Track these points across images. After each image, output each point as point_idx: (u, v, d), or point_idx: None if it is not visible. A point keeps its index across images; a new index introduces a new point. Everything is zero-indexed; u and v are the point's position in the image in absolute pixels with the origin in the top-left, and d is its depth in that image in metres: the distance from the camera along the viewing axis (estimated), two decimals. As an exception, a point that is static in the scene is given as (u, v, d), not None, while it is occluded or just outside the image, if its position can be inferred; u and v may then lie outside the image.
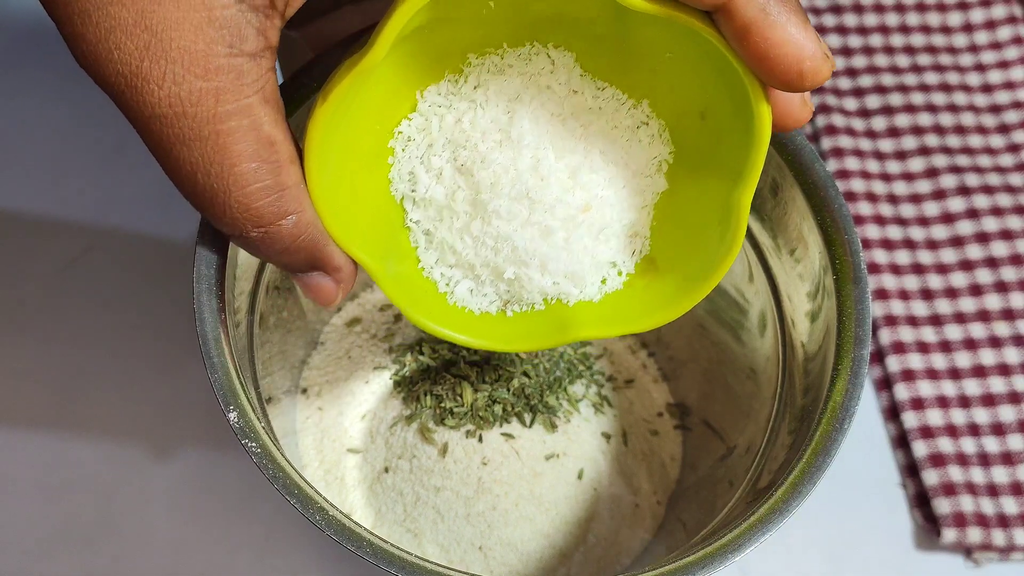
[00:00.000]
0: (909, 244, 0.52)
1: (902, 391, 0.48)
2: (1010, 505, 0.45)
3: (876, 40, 0.59)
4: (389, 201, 0.32)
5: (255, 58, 0.25)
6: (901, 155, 0.54)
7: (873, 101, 0.56)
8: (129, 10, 0.24)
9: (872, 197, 0.53)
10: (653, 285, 0.32)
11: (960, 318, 0.50)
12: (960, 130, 0.55)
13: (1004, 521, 0.44)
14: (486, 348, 0.33)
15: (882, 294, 0.50)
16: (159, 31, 0.24)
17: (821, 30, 0.59)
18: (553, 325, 0.33)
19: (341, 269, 0.30)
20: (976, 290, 0.50)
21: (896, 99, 0.56)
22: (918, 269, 0.51)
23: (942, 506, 0.45)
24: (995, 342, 0.49)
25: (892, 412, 0.48)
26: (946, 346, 0.49)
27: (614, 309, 0.33)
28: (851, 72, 0.57)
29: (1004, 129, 0.56)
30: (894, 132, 0.55)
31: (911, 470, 0.47)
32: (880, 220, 0.52)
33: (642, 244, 0.32)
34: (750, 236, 0.38)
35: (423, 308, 0.32)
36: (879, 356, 0.49)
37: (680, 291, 0.32)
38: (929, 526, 0.46)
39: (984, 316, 0.50)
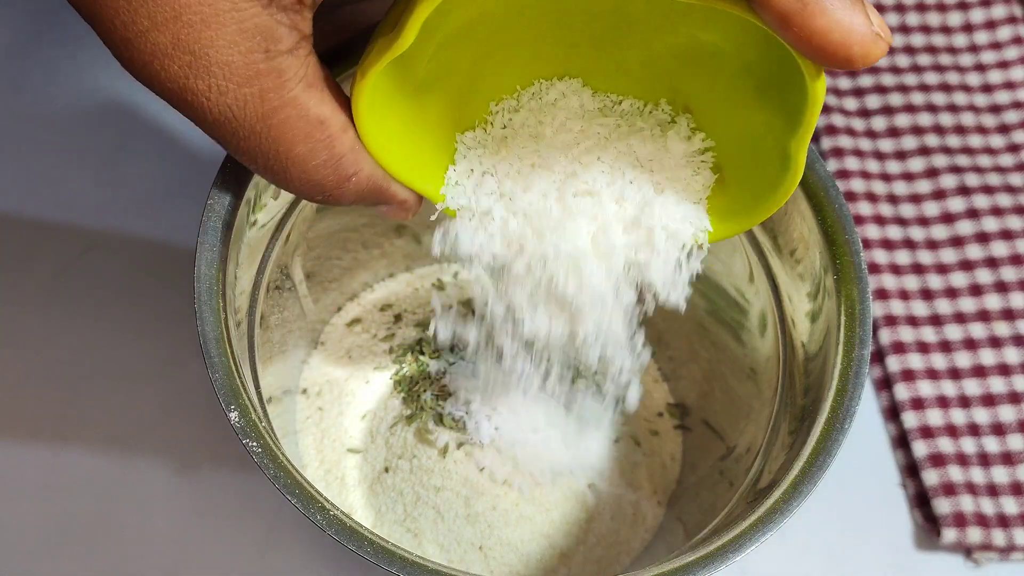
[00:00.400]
0: (909, 244, 0.52)
1: (902, 391, 0.48)
2: (1010, 505, 0.45)
3: (876, 40, 0.59)
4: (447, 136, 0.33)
5: (292, 53, 0.26)
6: (901, 155, 0.54)
7: (873, 101, 0.56)
8: (166, 35, 0.25)
9: (872, 197, 0.53)
10: (714, 201, 0.33)
11: (960, 318, 0.50)
12: (960, 130, 0.55)
13: (1004, 521, 0.44)
14: None
15: (882, 294, 0.50)
16: (197, 51, 0.25)
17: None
18: None
19: (407, 200, 0.32)
20: (976, 290, 0.50)
21: (896, 99, 0.56)
22: (918, 269, 0.51)
23: (942, 506, 0.45)
24: (995, 342, 0.49)
25: (892, 412, 0.48)
26: (946, 346, 0.49)
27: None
28: (851, 72, 0.57)
29: (1004, 129, 0.56)
30: (894, 132, 0.55)
31: (911, 470, 0.47)
32: (880, 220, 0.52)
33: (704, 236, 0.33)
34: (750, 236, 0.38)
35: None
36: (879, 356, 0.49)
37: (737, 213, 0.32)
38: (929, 526, 0.46)
39: (984, 316, 0.50)
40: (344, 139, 0.29)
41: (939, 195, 0.53)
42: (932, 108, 0.56)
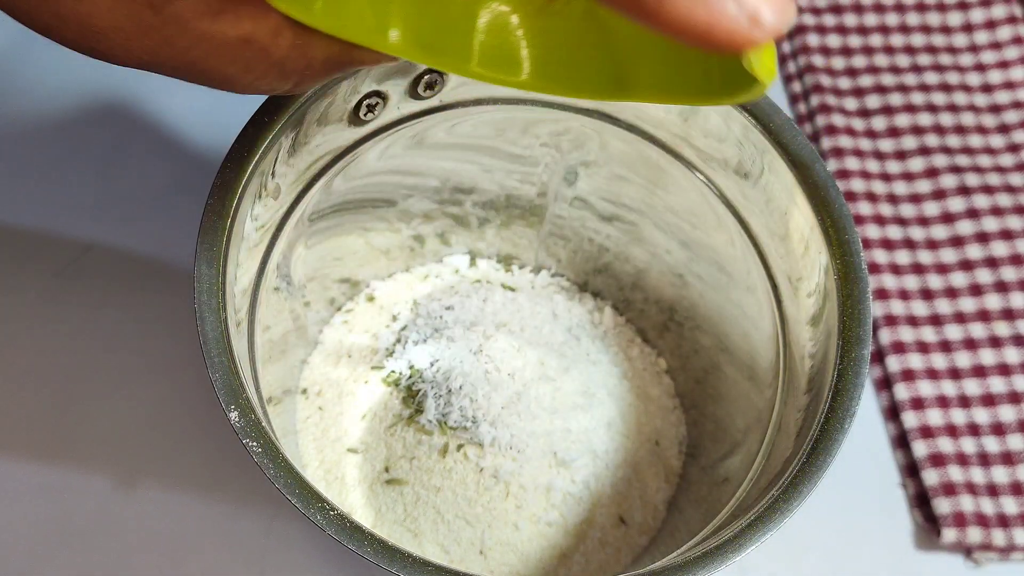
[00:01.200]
0: (909, 244, 0.52)
1: (902, 391, 0.48)
2: (1010, 505, 0.45)
3: (876, 40, 0.59)
4: None
5: None
6: (901, 155, 0.54)
7: (873, 101, 0.56)
8: (47, 13, 0.25)
9: (872, 197, 0.53)
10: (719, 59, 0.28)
11: (960, 318, 0.50)
12: (960, 130, 0.55)
13: (1004, 521, 0.44)
14: (520, 87, 0.30)
15: (882, 294, 0.50)
16: (84, 22, 0.25)
17: (821, 29, 0.59)
18: (606, 74, 0.30)
19: (379, 59, 0.30)
20: (976, 290, 0.50)
21: (896, 99, 0.56)
22: (918, 269, 0.51)
23: (942, 506, 0.45)
24: (995, 342, 0.49)
25: (892, 412, 0.48)
26: (946, 346, 0.49)
27: (676, 73, 0.29)
28: (851, 72, 0.57)
29: (1004, 129, 0.56)
30: (894, 132, 0.55)
31: (911, 470, 0.47)
32: (880, 220, 0.52)
33: None
34: (751, 236, 0.38)
35: (451, 59, 0.30)
36: (879, 356, 0.49)
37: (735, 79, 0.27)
38: (929, 526, 0.46)
39: (984, 316, 0.50)
40: (279, 43, 0.27)
41: (939, 195, 0.53)
42: (932, 108, 0.56)
